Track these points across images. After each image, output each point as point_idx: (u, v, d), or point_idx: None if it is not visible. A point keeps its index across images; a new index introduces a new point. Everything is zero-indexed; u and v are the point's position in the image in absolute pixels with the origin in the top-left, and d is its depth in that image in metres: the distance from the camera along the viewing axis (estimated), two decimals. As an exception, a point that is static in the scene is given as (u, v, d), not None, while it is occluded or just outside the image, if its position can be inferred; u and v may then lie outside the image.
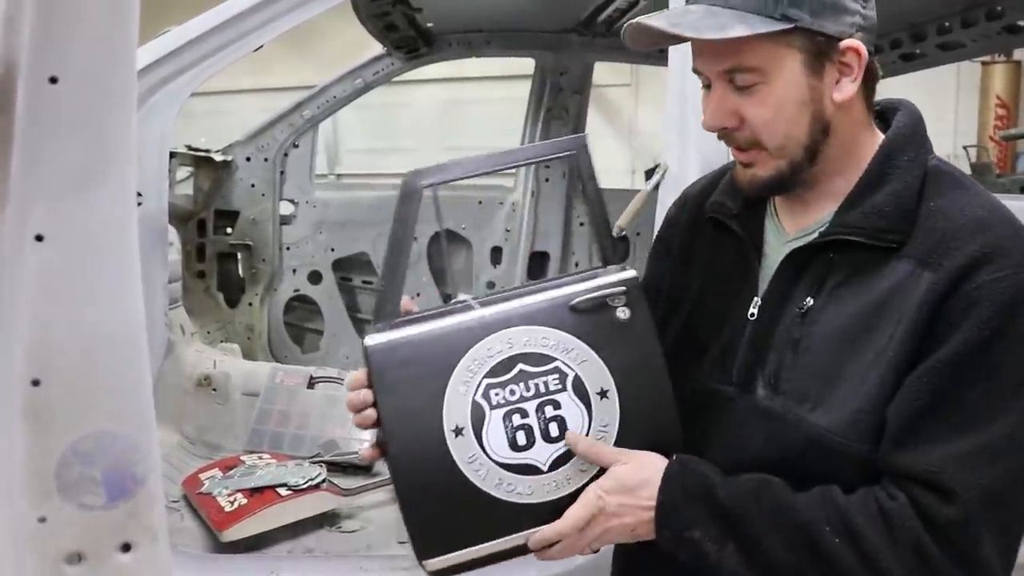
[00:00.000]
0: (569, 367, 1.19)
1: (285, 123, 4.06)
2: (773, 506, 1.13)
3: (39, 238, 0.74)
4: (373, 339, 1.19)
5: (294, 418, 3.01)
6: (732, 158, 1.31)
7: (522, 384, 1.18)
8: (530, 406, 1.18)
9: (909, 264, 1.12)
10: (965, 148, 7.53)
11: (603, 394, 1.19)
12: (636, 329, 1.22)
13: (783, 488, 1.14)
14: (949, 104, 8.09)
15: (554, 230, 4.35)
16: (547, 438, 1.18)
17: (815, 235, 1.22)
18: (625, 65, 7.46)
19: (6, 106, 0.74)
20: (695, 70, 1.23)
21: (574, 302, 1.21)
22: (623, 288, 1.23)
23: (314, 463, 2.66)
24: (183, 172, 3.90)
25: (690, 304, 1.38)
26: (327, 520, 2.46)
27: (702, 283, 1.37)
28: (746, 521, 1.13)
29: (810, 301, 1.19)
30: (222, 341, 3.86)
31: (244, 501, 2.40)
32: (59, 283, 0.75)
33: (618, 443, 1.19)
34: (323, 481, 2.50)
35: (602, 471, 1.19)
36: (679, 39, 1.17)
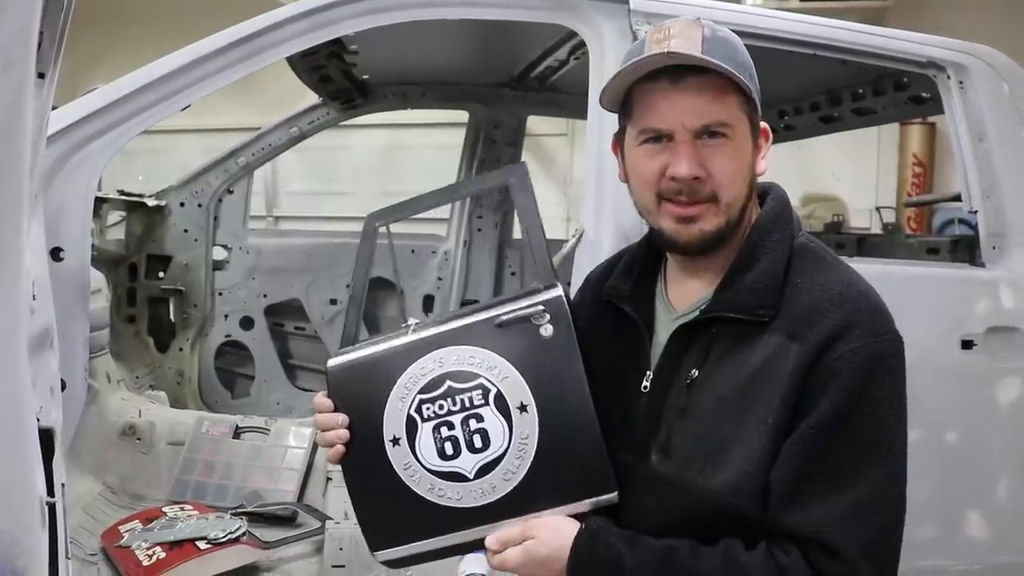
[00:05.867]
0: (492, 383, 1.29)
1: (220, 169, 4.08)
2: (678, 574, 1.21)
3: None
4: (334, 360, 1.37)
5: (218, 468, 2.99)
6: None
7: (450, 399, 1.30)
8: (456, 419, 1.30)
9: (780, 337, 1.23)
10: (878, 209, 7.79)
11: (523, 408, 1.29)
12: (558, 346, 1.30)
13: (689, 553, 1.22)
14: (871, 162, 8.37)
15: (485, 279, 4.42)
16: (472, 449, 1.29)
17: (697, 312, 1.31)
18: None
19: None
20: (652, 128, 1.28)
21: (498, 320, 1.31)
22: (542, 307, 1.31)
23: (236, 515, 2.66)
24: (115, 216, 3.88)
25: (594, 380, 1.46)
26: (247, 573, 2.46)
27: (603, 360, 1.45)
28: None
29: (695, 372, 1.28)
30: (151, 386, 3.83)
31: (163, 555, 2.40)
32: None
33: (538, 454, 1.28)
34: (243, 534, 2.51)
35: (527, 477, 1.28)
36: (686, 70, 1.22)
